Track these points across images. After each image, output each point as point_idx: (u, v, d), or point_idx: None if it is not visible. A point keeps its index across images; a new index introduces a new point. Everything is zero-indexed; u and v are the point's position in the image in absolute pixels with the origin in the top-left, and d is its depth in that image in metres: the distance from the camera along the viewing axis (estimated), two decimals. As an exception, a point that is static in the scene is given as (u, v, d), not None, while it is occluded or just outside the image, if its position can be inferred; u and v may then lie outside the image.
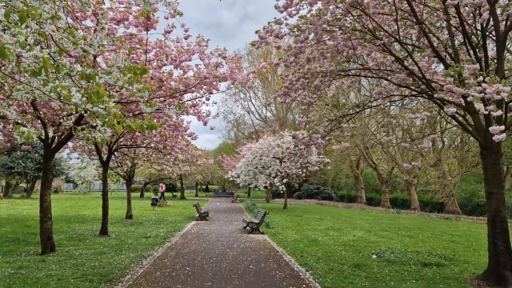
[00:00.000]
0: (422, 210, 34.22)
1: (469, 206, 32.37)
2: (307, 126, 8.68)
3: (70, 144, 15.63)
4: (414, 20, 6.85)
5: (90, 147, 14.60)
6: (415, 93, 7.30)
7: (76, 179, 53.30)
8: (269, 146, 26.36)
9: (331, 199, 47.86)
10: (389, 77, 7.61)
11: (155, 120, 11.91)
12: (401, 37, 7.08)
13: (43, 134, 9.39)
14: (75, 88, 3.56)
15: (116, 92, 7.76)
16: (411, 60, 7.30)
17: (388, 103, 9.85)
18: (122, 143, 13.97)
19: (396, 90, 7.50)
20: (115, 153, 15.74)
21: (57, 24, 4.62)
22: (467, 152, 30.96)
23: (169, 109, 4.78)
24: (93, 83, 3.66)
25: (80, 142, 15.47)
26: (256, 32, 6.97)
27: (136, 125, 4.34)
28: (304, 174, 32.03)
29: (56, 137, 10.21)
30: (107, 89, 7.75)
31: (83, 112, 3.84)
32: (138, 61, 9.03)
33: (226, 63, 10.22)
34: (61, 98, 3.62)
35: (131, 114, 9.95)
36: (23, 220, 18.07)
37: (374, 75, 7.77)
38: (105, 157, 13.78)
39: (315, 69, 8.33)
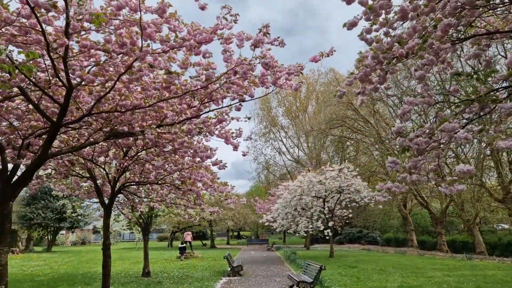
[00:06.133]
0: (490, 254, 28.78)
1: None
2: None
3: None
4: None
5: (91, 186, 11.48)
6: None
7: (101, 229, 50.64)
8: (310, 184, 22.53)
9: (376, 243, 42.61)
10: None
11: (169, 146, 8.79)
12: None
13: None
14: None
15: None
16: None
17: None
18: (129, 179, 10.78)
19: None
20: (126, 194, 12.57)
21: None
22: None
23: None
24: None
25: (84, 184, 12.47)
26: None
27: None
28: (347, 216, 27.88)
29: (23, 167, 7.20)
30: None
31: None
32: (135, 48, 5.99)
33: (262, 55, 7.04)
34: None
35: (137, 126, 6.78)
36: (18, 281, 14.90)
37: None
38: (108, 199, 10.66)
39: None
